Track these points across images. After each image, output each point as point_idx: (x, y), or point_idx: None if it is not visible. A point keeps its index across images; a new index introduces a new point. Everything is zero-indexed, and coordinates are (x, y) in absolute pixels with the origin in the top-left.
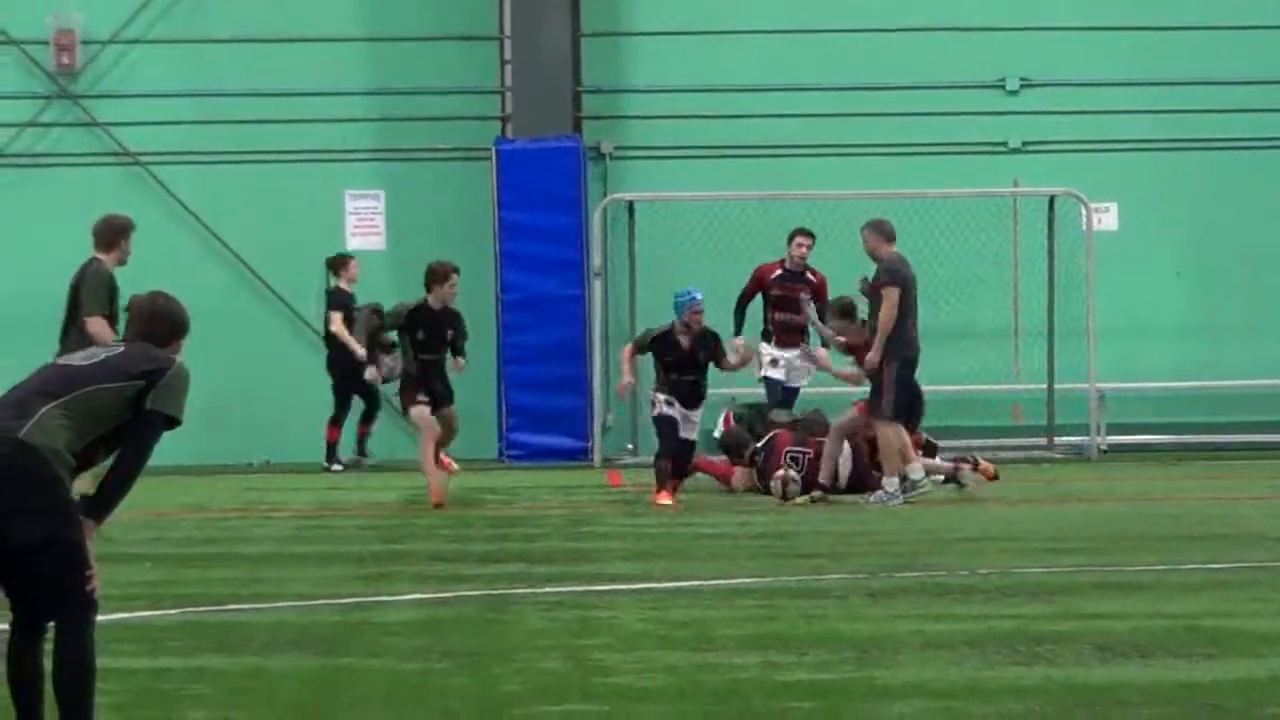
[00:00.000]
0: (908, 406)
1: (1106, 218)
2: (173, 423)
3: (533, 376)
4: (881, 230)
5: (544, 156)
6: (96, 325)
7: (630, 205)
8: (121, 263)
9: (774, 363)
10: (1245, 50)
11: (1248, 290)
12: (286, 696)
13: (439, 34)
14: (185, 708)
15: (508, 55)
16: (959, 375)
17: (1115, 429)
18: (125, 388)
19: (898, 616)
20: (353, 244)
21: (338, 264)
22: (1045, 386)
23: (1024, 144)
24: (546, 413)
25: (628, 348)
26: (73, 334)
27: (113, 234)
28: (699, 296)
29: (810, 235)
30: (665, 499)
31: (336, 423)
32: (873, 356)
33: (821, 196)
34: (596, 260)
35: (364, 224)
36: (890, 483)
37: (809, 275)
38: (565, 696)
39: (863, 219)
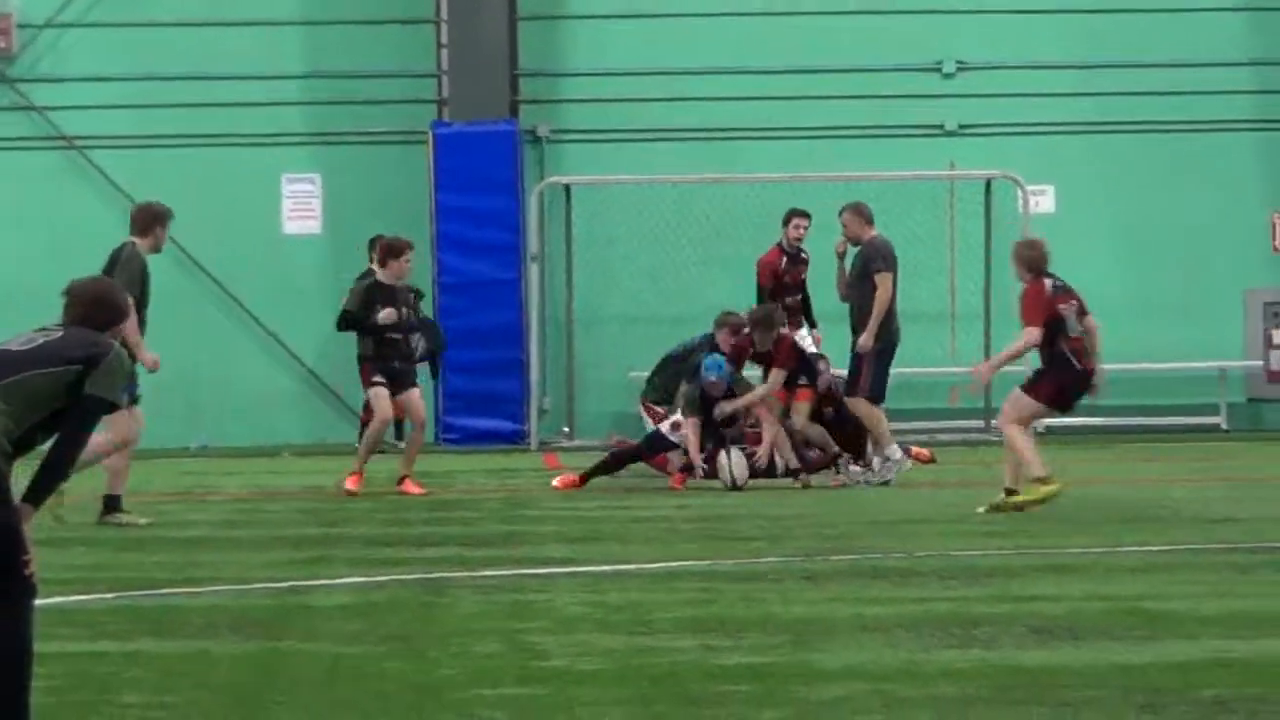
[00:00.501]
0: (883, 389)
1: (1043, 200)
2: (111, 407)
3: (469, 360)
4: (861, 213)
5: (481, 140)
6: None
7: (567, 189)
8: (156, 249)
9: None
10: (1180, 33)
11: (1182, 273)
12: (223, 680)
13: (375, 18)
14: (121, 691)
15: (444, 39)
16: (896, 358)
17: None
18: (63, 373)
19: (834, 599)
20: (289, 228)
21: (373, 247)
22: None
23: (960, 127)
24: (483, 396)
25: (688, 426)
26: None
27: (149, 220)
28: (713, 378)
29: (807, 216)
30: (563, 482)
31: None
32: (865, 340)
33: (758, 179)
34: (533, 244)
35: (300, 208)
36: (879, 458)
37: (803, 255)
38: (502, 680)
39: (798, 201)
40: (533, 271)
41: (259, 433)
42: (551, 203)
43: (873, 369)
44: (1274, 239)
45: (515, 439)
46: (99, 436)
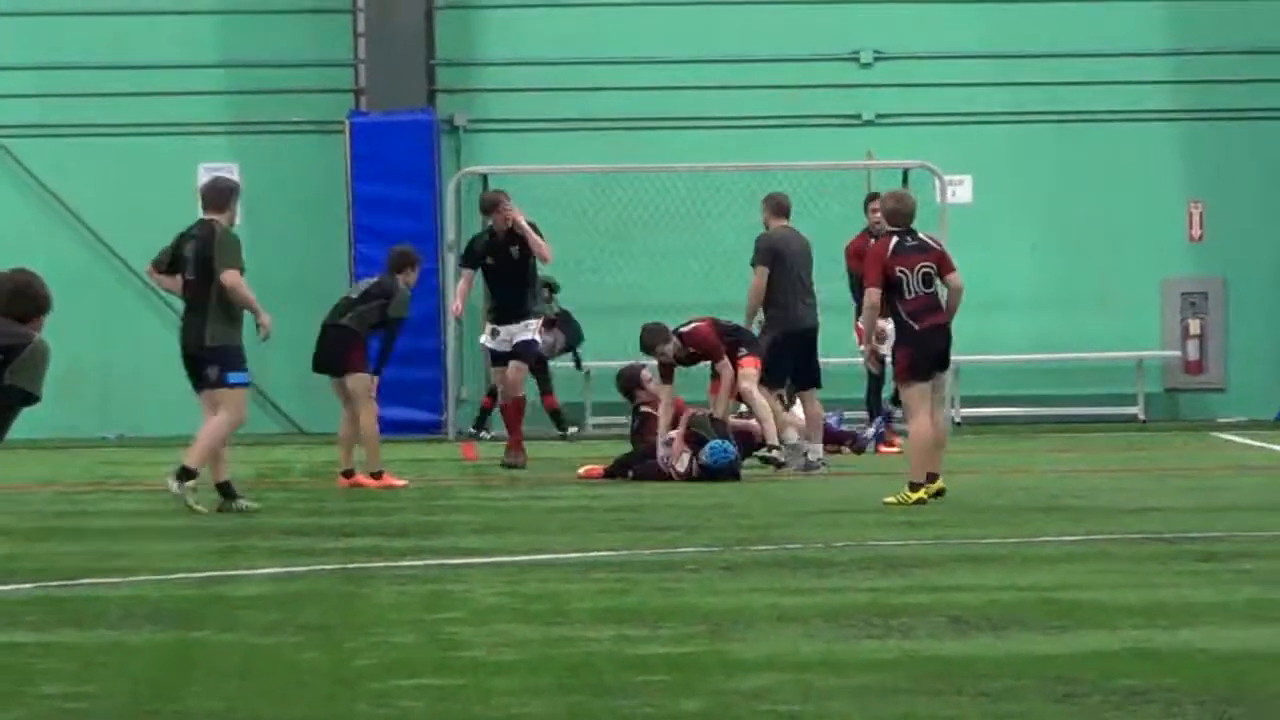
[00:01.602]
0: (789, 373)
1: (961, 190)
2: (30, 399)
3: None
4: (771, 205)
5: (397, 129)
6: (237, 278)
7: (484, 178)
8: (231, 223)
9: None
10: (1098, 23)
11: (1100, 263)
12: (140, 670)
13: (292, 7)
14: (38, 682)
15: (361, 28)
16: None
17: (969, 401)
18: None
19: (752, 589)
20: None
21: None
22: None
23: (878, 117)
24: (400, 386)
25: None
26: (210, 296)
27: (226, 196)
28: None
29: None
30: (587, 472)
31: (494, 393)
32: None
33: (676, 169)
34: (450, 233)
35: None
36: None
37: None
38: (419, 670)
39: (719, 192)
40: (449, 261)
41: (176, 423)
42: (469, 192)
43: (764, 357)
44: (1191, 228)
45: (433, 429)
46: (219, 419)
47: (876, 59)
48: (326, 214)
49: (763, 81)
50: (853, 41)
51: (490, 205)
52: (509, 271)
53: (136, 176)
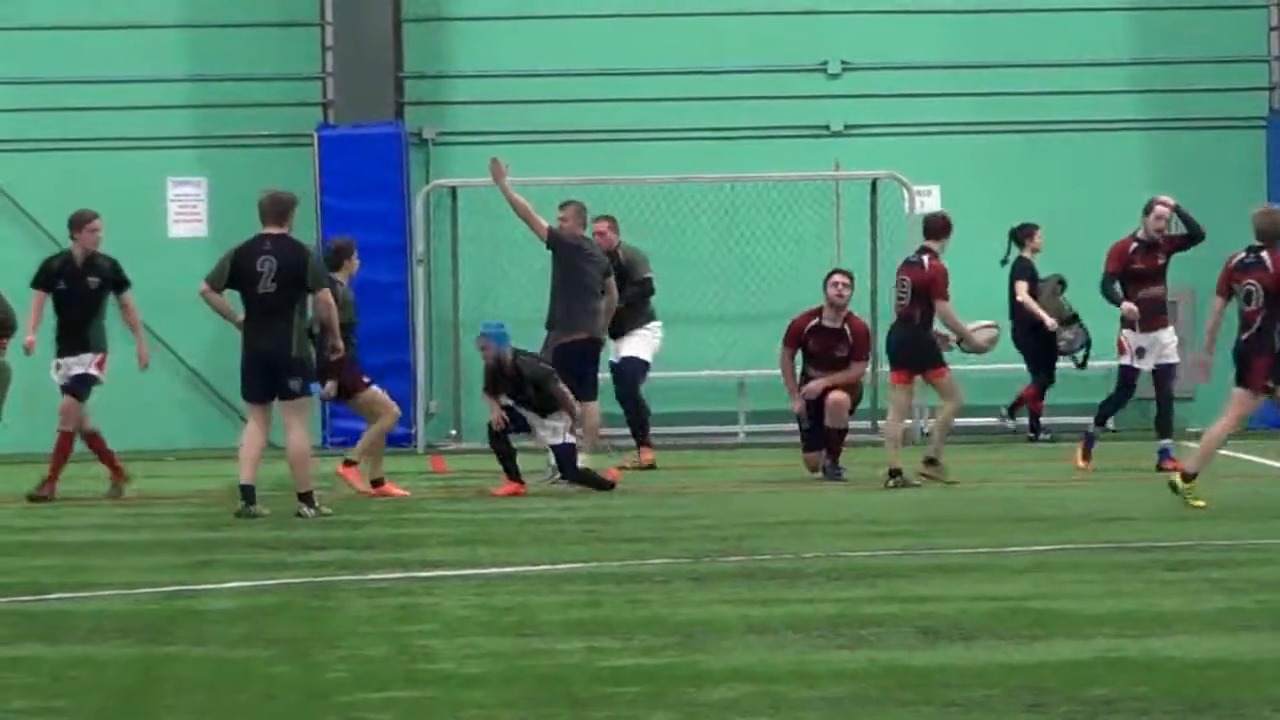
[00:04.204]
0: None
1: (929, 201)
2: None
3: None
4: (573, 213)
5: (366, 142)
6: (331, 298)
7: (453, 191)
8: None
9: (1139, 352)
10: (1063, 33)
11: (1069, 273)
12: (110, 684)
13: (260, 20)
14: (9, 697)
15: (329, 41)
16: None
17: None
18: None
19: (721, 601)
20: (175, 231)
21: (1023, 234)
22: (870, 369)
23: (846, 127)
24: None
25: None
26: (293, 309)
27: (288, 209)
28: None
29: (1166, 204)
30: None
31: (1040, 392)
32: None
33: (645, 181)
34: (419, 247)
35: (186, 211)
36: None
37: (1159, 242)
38: (389, 683)
39: (690, 203)
40: (419, 274)
41: (144, 436)
42: (438, 205)
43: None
44: None
45: (403, 442)
46: (300, 435)
47: (844, 69)
48: (295, 228)
49: (732, 93)
50: (821, 52)
51: (76, 224)
52: (81, 300)
53: (105, 191)
